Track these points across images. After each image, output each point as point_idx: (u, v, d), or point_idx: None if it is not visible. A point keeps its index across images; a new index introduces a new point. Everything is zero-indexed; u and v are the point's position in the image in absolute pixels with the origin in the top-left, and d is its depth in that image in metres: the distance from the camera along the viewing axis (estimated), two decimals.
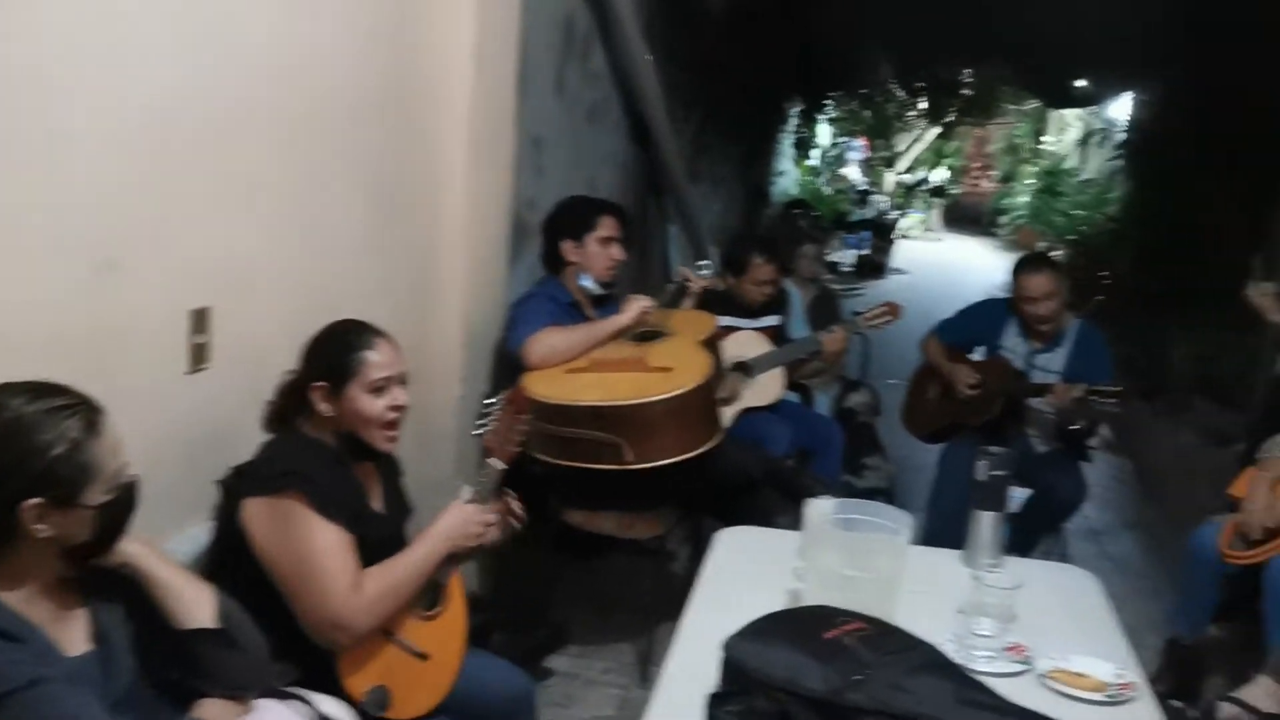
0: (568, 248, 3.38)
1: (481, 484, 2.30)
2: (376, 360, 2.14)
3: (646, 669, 3.28)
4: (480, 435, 2.36)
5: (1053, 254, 13.02)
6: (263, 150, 2.31)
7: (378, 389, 2.14)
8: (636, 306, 3.28)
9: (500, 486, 2.34)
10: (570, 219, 3.41)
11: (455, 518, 2.23)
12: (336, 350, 2.14)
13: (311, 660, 2.03)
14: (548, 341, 3.16)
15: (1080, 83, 11.13)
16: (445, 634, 2.24)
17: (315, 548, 1.98)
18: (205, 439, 2.21)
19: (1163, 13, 7.22)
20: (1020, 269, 4.01)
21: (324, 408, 2.12)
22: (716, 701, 1.66)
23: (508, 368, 3.31)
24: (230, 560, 2.03)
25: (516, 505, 2.40)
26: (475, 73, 3.06)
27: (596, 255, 3.36)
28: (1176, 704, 2.78)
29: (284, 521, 1.99)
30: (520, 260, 3.91)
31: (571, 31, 4.36)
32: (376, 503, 2.24)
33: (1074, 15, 7.93)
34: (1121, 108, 11.82)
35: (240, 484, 2.05)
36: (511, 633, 2.96)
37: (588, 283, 3.37)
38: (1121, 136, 11.11)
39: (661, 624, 3.05)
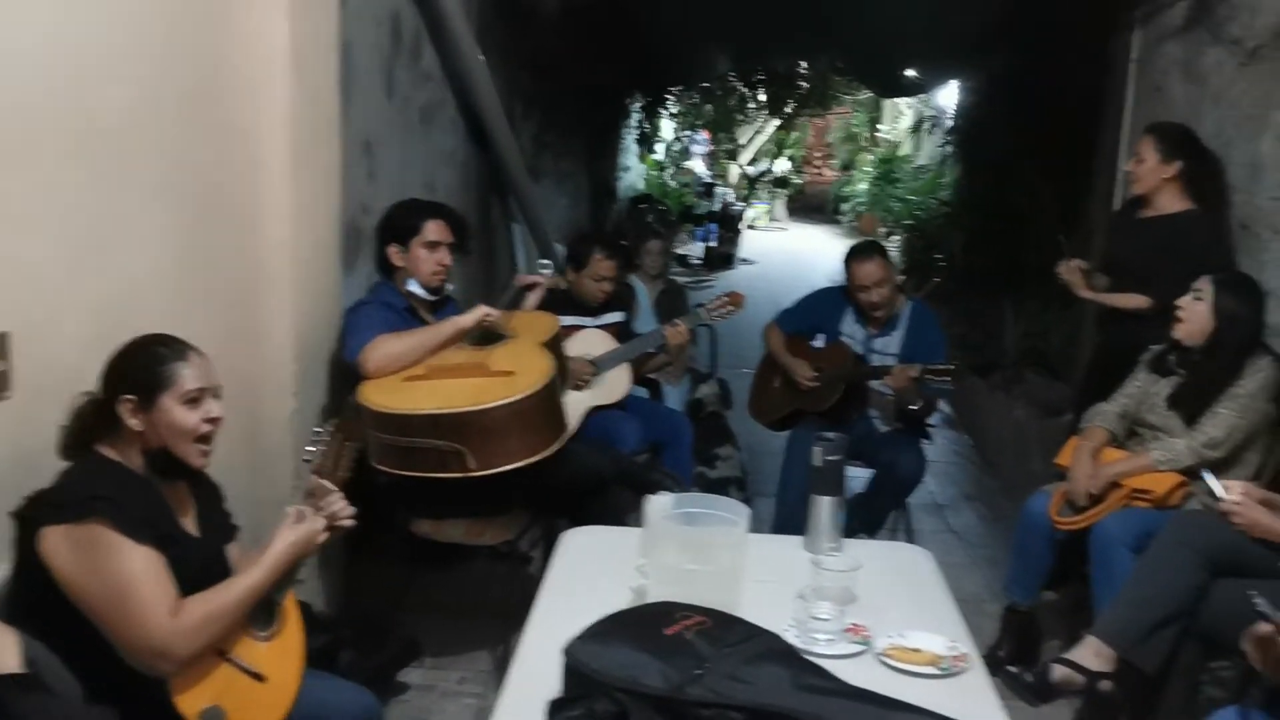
0: (393, 252, 3.32)
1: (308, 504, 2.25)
2: (190, 371, 2.08)
3: (504, 676, 3.23)
4: (310, 462, 2.30)
5: (891, 239, 13.48)
6: (54, 162, 2.17)
7: (192, 400, 2.07)
8: (479, 312, 3.25)
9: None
10: (396, 223, 3.35)
11: (286, 542, 2.16)
12: (146, 362, 2.06)
13: (137, 688, 1.94)
14: (384, 349, 3.09)
15: (909, 72, 11.47)
16: (282, 655, 2.17)
17: (127, 573, 1.89)
18: (11, 474, 2.07)
19: (982, 5, 7.51)
20: (851, 258, 4.12)
21: (134, 423, 2.03)
22: (556, 708, 1.65)
23: (345, 378, 3.22)
24: (33, 597, 1.91)
25: (341, 506, 2.31)
26: (293, 73, 2.96)
27: (422, 260, 3.31)
28: (1013, 669, 2.88)
29: (90, 549, 1.88)
30: (357, 267, 3.82)
31: (399, 31, 4.28)
32: (190, 525, 2.15)
33: (899, 6, 8.16)
34: (949, 96, 12.25)
35: (37, 513, 1.93)
36: (360, 650, 2.88)
37: (414, 287, 3.31)
38: (950, 124, 11.50)
39: (518, 629, 3.02)
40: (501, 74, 5.79)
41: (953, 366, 3.73)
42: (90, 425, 2.05)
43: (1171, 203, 3.72)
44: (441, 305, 3.40)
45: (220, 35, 2.79)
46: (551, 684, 1.75)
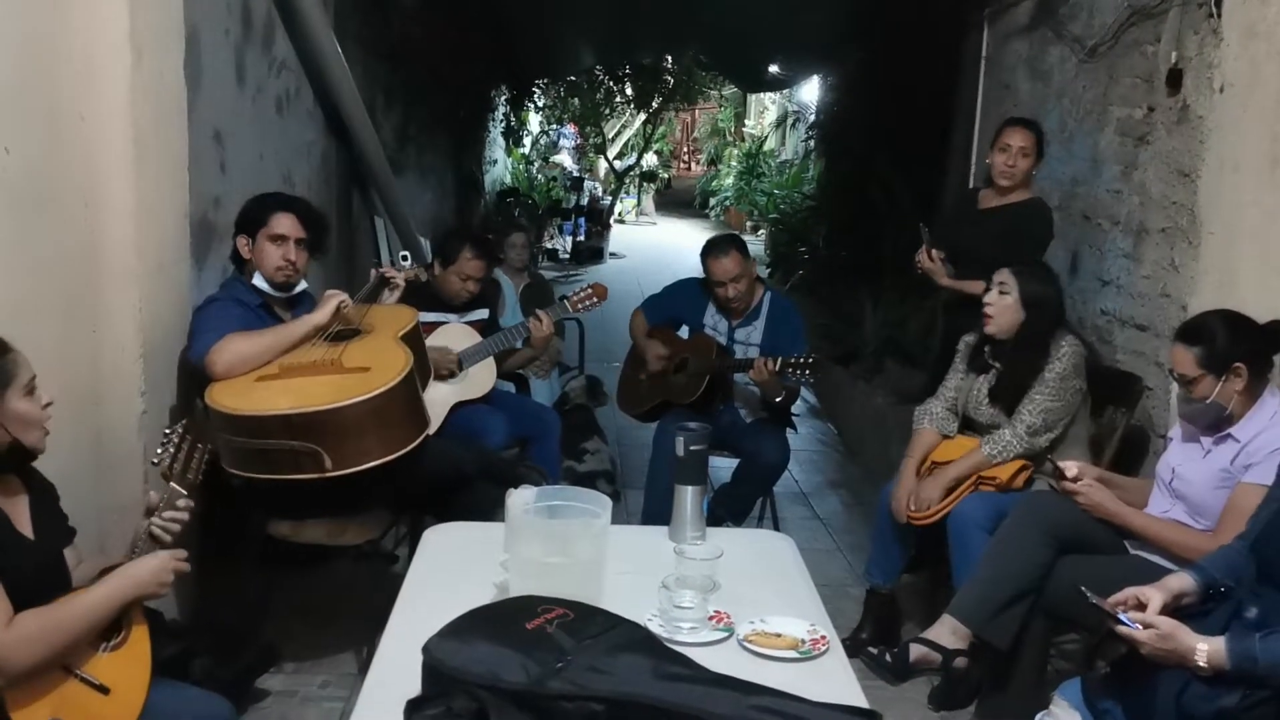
0: (241, 243, 3.21)
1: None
2: (21, 362, 2.05)
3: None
4: (159, 465, 2.21)
5: (758, 233, 13.66)
6: None
7: (31, 390, 2.05)
8: (332, 303, 3.15)
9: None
10: (246, 214, 3.23)
11: (149, 566, 2.13)
12: None
13: None
14: (233, 348, 2.97)
15: (773, 68, 11.66)
16: (128, 665, 2.09)
17: None
18: None
19: (840, 3, 7.68)
20: (707, 253, 4.13)
21: None
22: (414, 707, 1.61)
23: (199, 379, 3.10)
24: None
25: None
26: (134, 60, 2.83)
27: (268, 254, 3.18)
28: (873, 650, 2.95)
29: None
30: (209, 262, 3.69)
31: (249, 17, 4.14)
32: (24, 527, 2.06)
33: (761, 3, 8.28)
34: (811, 91, 12.51)
35: None
36: (215, 658, 2.78)
37: (260, 282, 3.20)
38: (812, 119, 11.75)
39: (383, 630, 2.96)
40: (361, 65, 5.66)
41: (813, 359, 3.76)
42: None
43: (1018, 193, 3.86)
44: (297, 302, 3.29)
45: (54, 16, 2.65)
46: (412, 684, 1.72)
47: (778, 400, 4.01)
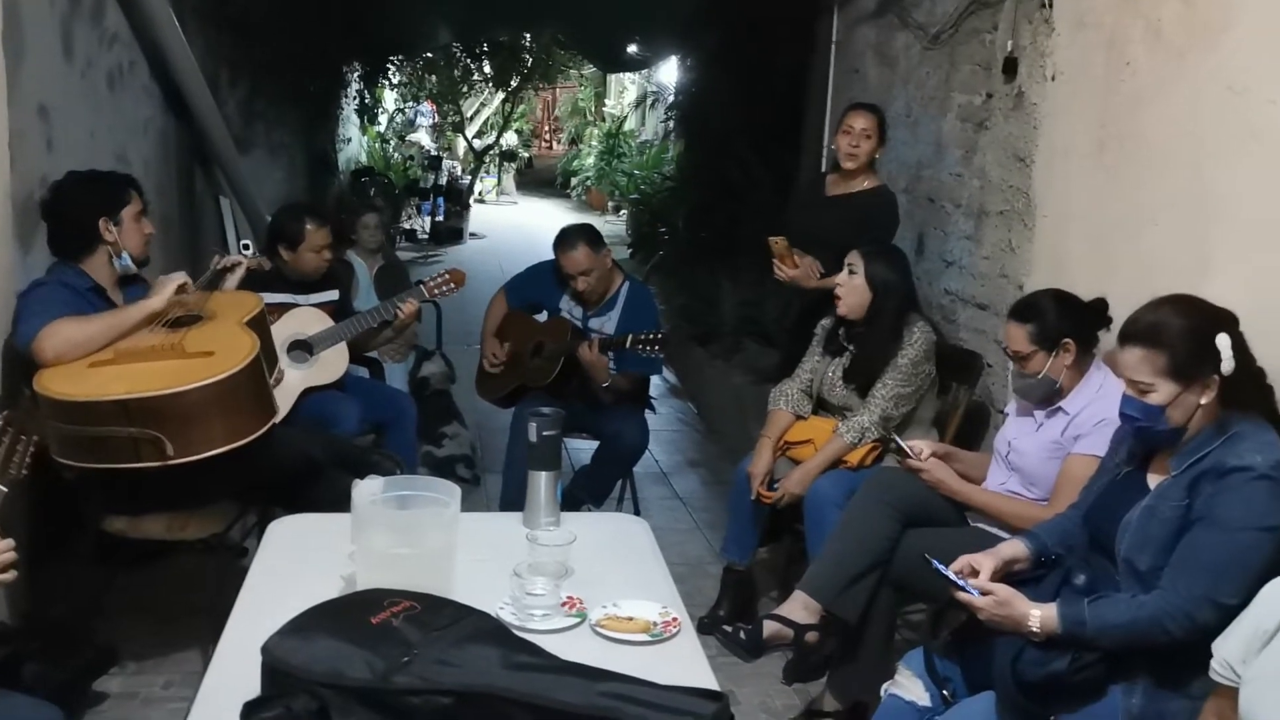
0: (104, 226, 3.06)
1: None
2: None
3: None
4: None
5: (620, 213, 13.66)
6: None
7: None
8: (171, 285, 3.02)
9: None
10: (102, 196, 3.09)
11: None
12: None
13: None
14: (63, 334, 2.82)
15: (631, 48, 11.66)
16: None
17: None
18: None
19: None
20: (558, 245, 4.09)
21: None
22: (251, 709, 1.56)
23: (25, 368, 2.93)
24: None
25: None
26: None
27: (137, 230, 3.11)
28: (728, 628, 2.99)
29: None
30: (36, 244, 3.48)
31: None
32: None
33: None
34: (670, 72, 12.55)
35: None
36: (47, 661, 2.65)
37: (128, 262, 3.09)
38: (671, 99, 11.79)
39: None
40: (201, 38, 5.44)
41: (661, 335, 3.75)
42: None
43: (865, 180, 3.92)
44: (132, 283, 3.16)
45: None
46: (253, 684, 1.67)
47: (605, 385, 3.99)
